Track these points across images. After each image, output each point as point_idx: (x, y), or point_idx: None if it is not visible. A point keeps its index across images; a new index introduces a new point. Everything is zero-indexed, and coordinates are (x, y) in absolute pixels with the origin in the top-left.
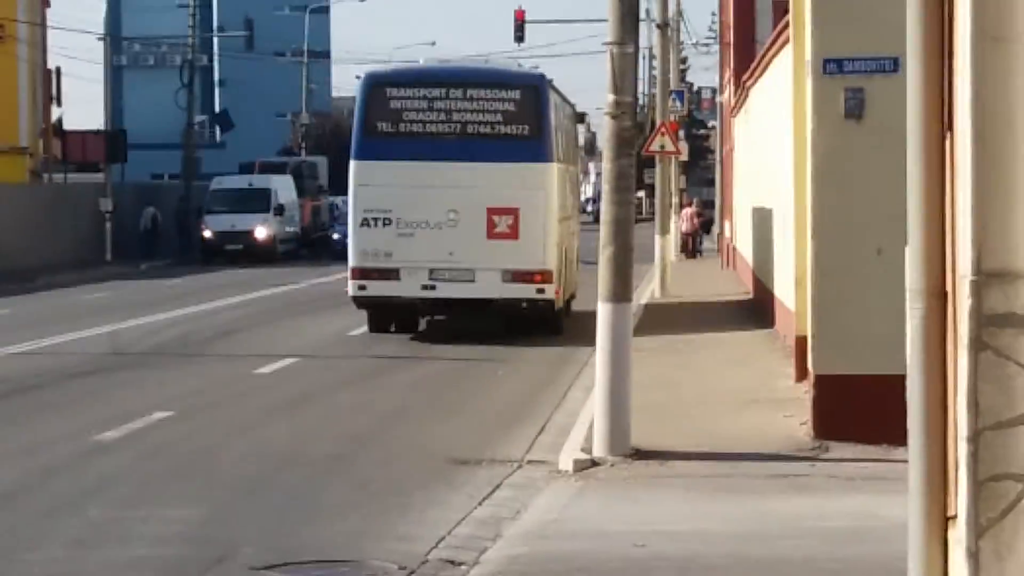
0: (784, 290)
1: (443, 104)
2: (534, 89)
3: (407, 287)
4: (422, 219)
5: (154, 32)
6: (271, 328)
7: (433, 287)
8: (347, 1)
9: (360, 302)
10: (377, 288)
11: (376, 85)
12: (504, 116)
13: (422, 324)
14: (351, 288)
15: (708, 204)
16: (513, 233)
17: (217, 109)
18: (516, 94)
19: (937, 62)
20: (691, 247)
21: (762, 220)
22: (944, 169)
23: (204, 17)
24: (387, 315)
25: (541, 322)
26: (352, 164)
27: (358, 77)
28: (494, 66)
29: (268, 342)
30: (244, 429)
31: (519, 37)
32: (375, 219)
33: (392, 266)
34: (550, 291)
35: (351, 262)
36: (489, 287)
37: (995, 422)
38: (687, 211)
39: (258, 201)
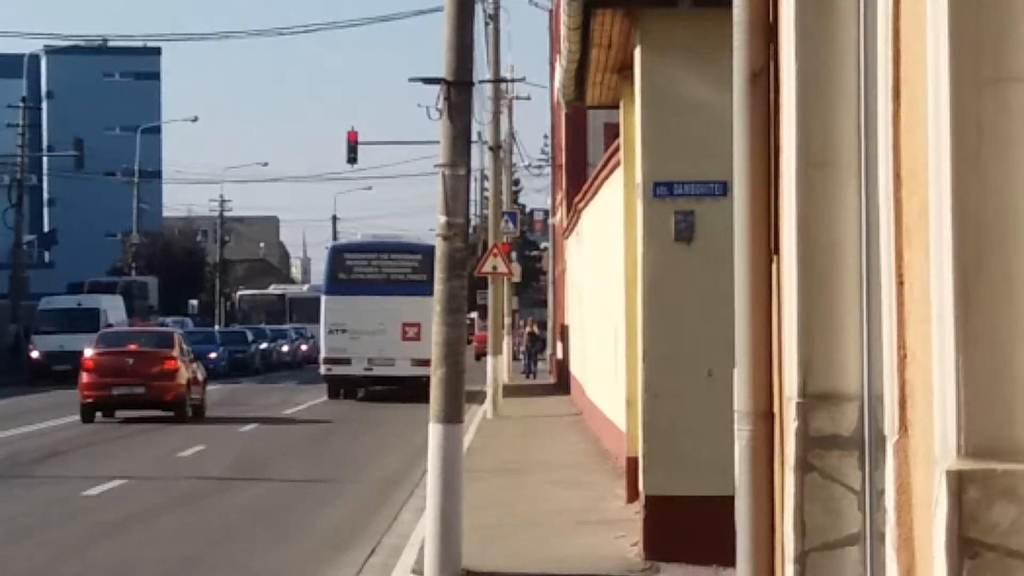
0: (615, 411)
1: (377, 262)
2: (429, 254)
3: (356, 369)
4: (364, 329)
5: None
6: (100, 449)
7: (371, 369)
8: (178, 121)
9: (328, 378)
10: (338, 369)
11: (337, 251)
12: (411, 269)
13: (360, 393)
14: (323, 369)
15: (541, 325)
16: (417, 337)
17: (46, 229)
18: (419, 256)
19: (764, 188)
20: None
21: (594, 342)
22: (771, 292)
23: (33, 136)
24: (341, 386)
25: None
26: (324, 298)
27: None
28: (405, 240)
29: (97, 463)
30: (71, 552)
31: (352, 159)
32: (337, 329)
33: (347, 356)
34: None
35: (323, 354)
36: (403, 369)
37: (822, 543)
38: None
39: (87, 321)
